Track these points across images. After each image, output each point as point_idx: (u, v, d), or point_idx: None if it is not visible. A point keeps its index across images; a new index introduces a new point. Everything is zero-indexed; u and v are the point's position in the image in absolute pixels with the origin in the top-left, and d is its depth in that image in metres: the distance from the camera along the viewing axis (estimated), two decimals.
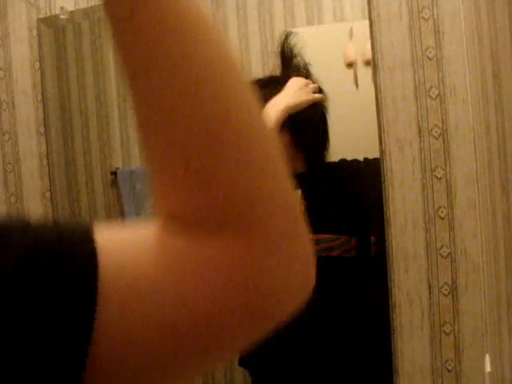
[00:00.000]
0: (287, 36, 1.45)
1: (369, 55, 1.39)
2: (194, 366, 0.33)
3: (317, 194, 1.43)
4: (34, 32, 1.73)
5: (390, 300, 1.29)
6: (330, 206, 1.43)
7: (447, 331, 1.26)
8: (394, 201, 1.28)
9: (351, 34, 1.51)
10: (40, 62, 1.74)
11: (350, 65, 1.52)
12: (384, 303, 1.33)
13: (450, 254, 1.25)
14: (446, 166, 1.25)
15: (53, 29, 1.77)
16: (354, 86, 1.54)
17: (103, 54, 1.83)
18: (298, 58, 1.45)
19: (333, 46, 1.55)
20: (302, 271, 0.34)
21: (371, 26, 1.28)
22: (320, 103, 1.41)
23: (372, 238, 1.40)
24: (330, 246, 1.36)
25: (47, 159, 1.74)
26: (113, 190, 1.81)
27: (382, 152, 1.29)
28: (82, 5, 1.67)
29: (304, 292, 0.35)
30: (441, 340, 1.27)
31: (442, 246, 1.26)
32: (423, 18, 1.25)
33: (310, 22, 1.60)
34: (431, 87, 1.25)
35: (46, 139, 1.74)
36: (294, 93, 1.34)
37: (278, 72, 1.48)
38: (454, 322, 1.25)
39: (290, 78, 1.42)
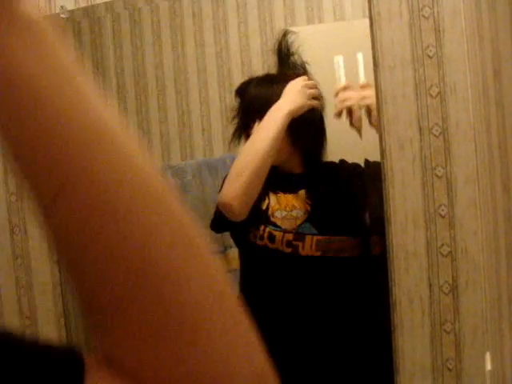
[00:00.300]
0: (285, 34, 1.45)
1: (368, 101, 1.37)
2: None
3: (320, 194, 1.43)
4: None
5: (390, 298, 1.29)
6: (334, 205, 1.43)
7: (448, 330, 1.26)
8: (394, 199, 1.28)
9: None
10: None
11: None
12: (386, 302, 1.33)
13: (450, 252, 1.25)
14: (446, 165, 1.25)
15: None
16: None
17: (103, 53, 1.83)
18: (295, 56, 1.45)
19: (333, 45, 1.55)
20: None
21: (371, 24, 1.28)
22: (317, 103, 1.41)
23: (374, 237, 1.40)
24: (341, 247, 1.35)
25: None
26: None
27: (382, 150, 1.29)
28: (82, 4, 1.67)
29: None
30: (441, 338, 1.26)
31: (442, 245, 1.26)
32: (423, 16, 1.25)
33: (310, 21, 1.59)
34: (432, 85, 1.25)
35: None
36: (294, 97, 1.34)
37: (274, 70, 1.48)
38: (454, 321, 1.25)
39: (286, 76, 1.42)
